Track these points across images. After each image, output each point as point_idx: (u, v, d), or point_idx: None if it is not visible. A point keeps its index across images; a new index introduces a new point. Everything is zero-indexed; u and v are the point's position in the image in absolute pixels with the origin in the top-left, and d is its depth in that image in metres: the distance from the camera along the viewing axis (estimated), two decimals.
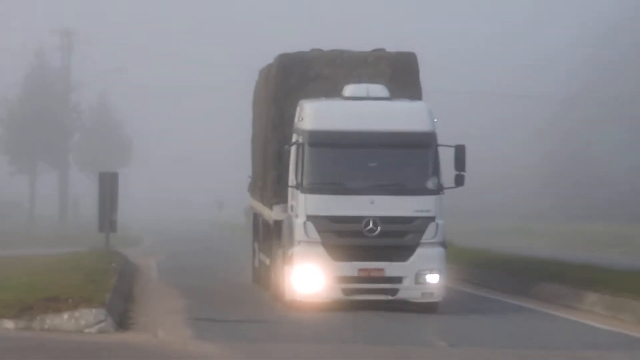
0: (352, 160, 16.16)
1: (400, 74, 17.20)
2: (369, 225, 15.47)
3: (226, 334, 13.58)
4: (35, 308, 13.33)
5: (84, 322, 13.01)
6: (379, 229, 15.46)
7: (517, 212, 73.71)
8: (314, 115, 15.92)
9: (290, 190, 16.30)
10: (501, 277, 22.06)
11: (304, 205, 15.50)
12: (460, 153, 15.86)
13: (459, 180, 15.89)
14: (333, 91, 16.60)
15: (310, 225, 15.42)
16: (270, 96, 17.86)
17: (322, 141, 15.67)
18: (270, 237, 18.97)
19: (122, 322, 14.23)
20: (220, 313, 15.97)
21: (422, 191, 15.83)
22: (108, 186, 26.30)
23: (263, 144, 19.06)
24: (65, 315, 13.11)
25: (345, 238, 15.64)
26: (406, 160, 16.40)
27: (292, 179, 15.98)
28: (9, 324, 12.96)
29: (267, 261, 19.09)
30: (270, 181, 17.65)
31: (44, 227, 55.91)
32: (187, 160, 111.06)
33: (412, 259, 15.62)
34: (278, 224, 17.33)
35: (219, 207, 72.15)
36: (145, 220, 69.20)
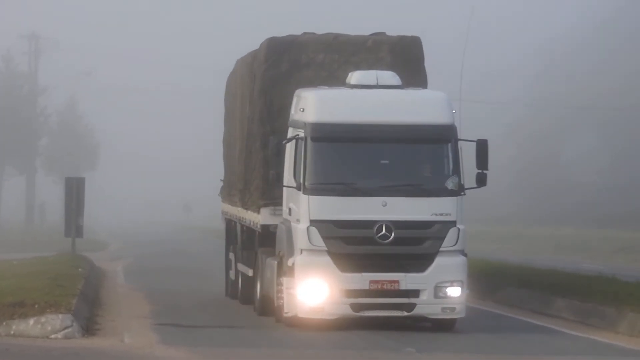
0: (362, 156, 14.57)
1: (402, 61, 15.59)
2: (381, 230, 13.88)
3: (192, 339, 13.97)
4: (1, 313, 13.48)
5: (50, 327, 13.10)
6: (392, 235, 13.91)
7: (484, 216, 75.16)
8: (317, 105, 14.29)
9: (286, 191, 14.79)
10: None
11: (307, 208, 13.89)
12: (482, 148, 14.30)
13: (481, 180, 14.24)
14: (328, 79, 15.28)
15: (314, 231, 13.81)
16: (256, 85, 16.05)
17: (328, 135, 14.11)
18: (252, 244, 17.57)
19: (89, 327, 14.40)
20: (187, 319, 16.24)
21: (442, 192, 14.29)
22: (74, 191, 26.63)
23: (244, 140, 17.37)
24: (32, 321, 13.32)
25: (354, 246, 14.07)
26: (423, 156, 14.94)
27: (289, 179, 14.39)
28: None
29: (250, 272, 17.40)
30: (257, 181, 16.05)
31: (9, 232, 57.52)
32: (155, 164, 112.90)
33: (431, 269, 14.09)
34: (267, 229, 15.74)
35: (187, 210, 74.67)
36: (113, 224, 71.97)
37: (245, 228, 18.10)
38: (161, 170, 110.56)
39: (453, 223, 14.06)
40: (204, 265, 28.56)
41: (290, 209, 14.53)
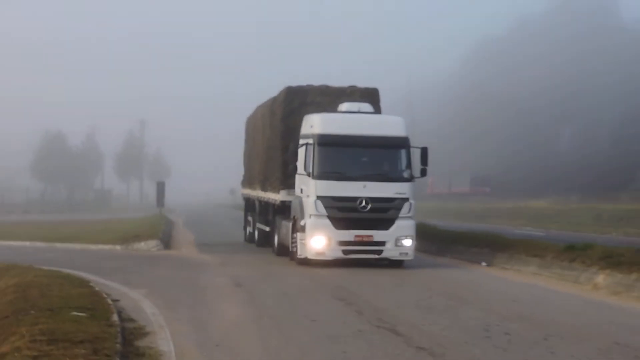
0: (350, 156, 20.24)
1: (368, 101, 21.60)
2: (362, 203, 19.55)
3: (213, 251, 25.95)
4: (129, 239, 26.68)
5: (150, 245, 27.10)
6: (369, 206, 19.56)
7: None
8: (322, 123, 20.11)
9: (299, 177, 20.49)
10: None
11: (315, 188, 19.53)
12: (424, 153, 20.24)
13: (423, 172, 20.36)
14: (324, 112, 20.96)
15: (319, 202, 19.48)
16: (277, 116, 22.85)
17: (329, 141, 19.77)
18: (268, 212, 24.61)
19: (166, 245, 28.29)
20: (215, 246, 28.43)
21: (400, 179, 20.06)
22: (161, 187, 49.85)
23: (265, 152, 24.79)
24: (142, 243, 27.37)
25: (344, 212, 19.64)
26: (388, 156, 20.66)
27: (301, 170, 20.05)
28: (118, 247, 27.35)
29: (267, 228, 24.94)
30: (277, 174, 22.48)
31: (133, 205, 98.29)
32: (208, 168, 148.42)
33: (393, 228, 19.75)
34: (284, 203, 22.01)
35: (232, 193, 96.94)
36: (182, 202, 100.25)
37: (263, 203, 25.59)
38: (215, 170, 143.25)
39: (407, 199, 19.95)
40: (225, 222, 48.48)
41: (302, 189, 20.36)
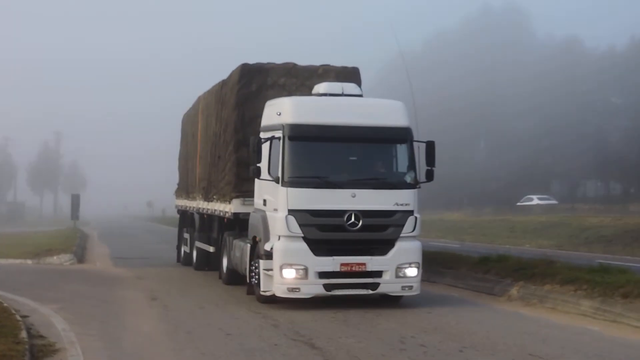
0: (333, 154, 15.17)
1: None
2: (350, 219, 14.50)
3: (129, 264, 25.46)
4: (41, 254, 25.98)
5: (63, 259, 26.26)
6: (360, 222, 14.52)
7: None
8: (294, 108, 14.98)
9: (261, 185, 15.54)
10: None
11: (285, 199, 14.41)
12: (430, 149, 15.24)
13: (430, 175, 15.17)
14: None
15: (292, 219, 14.34)
16: (229, 103, 18.02)
17: (303, 134, 14.72)
18: (213, 228, 20.39)
19: (80, 259, 27.75)
20: (128, 256, 28.34)
21: (402, 185, 14.98)
22: (76, 200, 48.51)
23: (210, 151, 20.07)
24: (55, 257, 26.53)
25: (327, 232, 14.59)
26: (385, 154, 15.58)
27: (265, 174, 15.00)
28: (29, 261, 26.19)
29: (211, 249, 20.50)
30: (228, 178, 17.81)
31: (47, 219, 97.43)
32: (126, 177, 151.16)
33: (393, 252, 14.77)
34: (239, 216, 17.37)
35: (149, 205, 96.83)
36: (97, 215, 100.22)
37: (206, 216, 21.24)
38: (131, 181, 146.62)
39: (411, 212, 14.84)
40: (142, 236, 47.11)
41: (265, 200, 15.35)
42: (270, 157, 15.03)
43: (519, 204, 63.63)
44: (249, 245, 16.08)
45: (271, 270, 14.63)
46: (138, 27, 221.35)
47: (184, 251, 24.31)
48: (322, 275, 14.51)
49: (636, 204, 56.80)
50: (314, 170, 14.85)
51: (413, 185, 15.03)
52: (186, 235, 24.20)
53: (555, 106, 75.93)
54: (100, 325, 13.13)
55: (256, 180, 15.65)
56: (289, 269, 14.41)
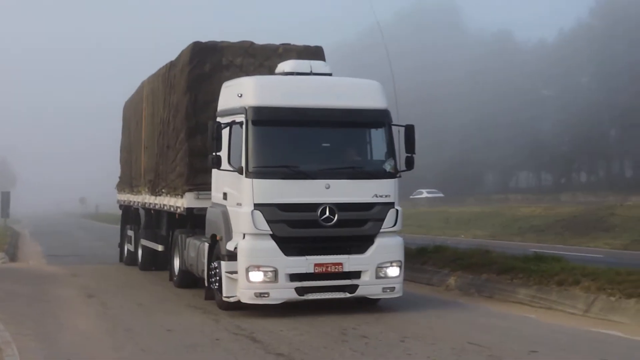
0: (304, 140, 13.53)
1: None
2: (325, 213, 12.89)
3: (63, 262, 24.94)
4: None
5: None
6: (335, 217, 12.92)
7: None
8: (258, 89, 13.29)
9: (220, 176, 13.83)
10: None
11: (251, 192, 12.70)
12: (410, 133, 13.65)
13: (410, 163, 13.65)
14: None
15: (258, 215, 12.62)
16: (179, 86, 16.27)
17: (270, 118, 13.06)
18: (162, 225, 18.58)
19: (13, 258, 26.99)
20: (61, 253, 27.56)
21: (381, 174, 13.42)
22: (6, 197, 46.25)
23: (157, 140, 18.27)
24: None
25: (298, 229, 12.92)
26: (361, 140, 13.98)
27: (226, 164, 13.26)
28: None
29: (159, 248, 18.56)
30: (180, 169, 16.08)
31: None
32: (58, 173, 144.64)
33: (372, 250, 13.22)
34: (192, 211, 15.71)
35: (82, 202, 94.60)
36: (28, 212, 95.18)
37: (153, 212, 19.32)
38: (63, 178, 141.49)
39: (392, 204, 13.35)
40: (75, 233, 46.82)
41: (225, 194, 13.64)
42: (230, 144, 13.34)
43: (411, 197, 66.56)
44: (206, 244, 14.24)
45: (235, 273, 12.91)
46: (69, 16, 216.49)
47: (128, 250, 22.44)
48: (294, 277, 12.85)
49: (566, 194, 58.11)
50: (283, 159, 13.14)
51: (393, 174, 13.48)
52: (130, 233, 22.24)
53: (488, 100, 77.08)
54: (35, 325, 12.84)
55: (214, 171, 14.00)
56: (257, 272, 12.69)
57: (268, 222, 12.70)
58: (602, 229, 34.94)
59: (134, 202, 21.55)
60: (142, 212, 20.90)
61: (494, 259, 17.18)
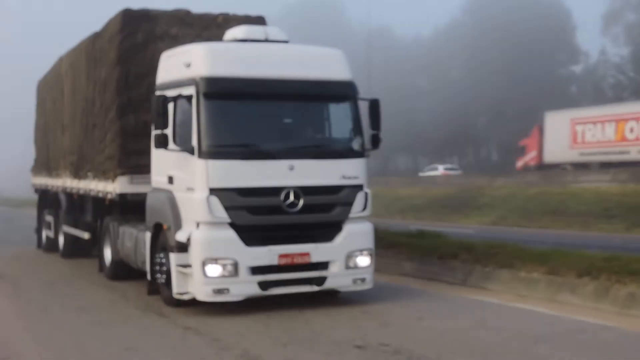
0: (263, 115, 11.35)
1: None
2: (289, 197, 10.84)
3: None
4: None
5: None
6: (301, 202, 10.88)
7: None
8: (210, 58, 10.97)
9: (162, 156, 11.56)
10: None
11: (205, 175, 10.55)
12: (376, 108, 11.71)
13: (376, 141, 11.71)
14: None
15: (215, 200, 10.51)
16: (108, 58, 14.09)
17: (225, 90, 10.85)
18: (87, 211, 16.54)
19: None
20: None
21: (349, 154, 11.42)
22: None
23: (81, 119, 16.15)
24: None
25: (260, 216, 10.84)
26: (326, 115, 11.87)
27: (171, 143, 10.97)
28: None
29: (85, 235, 16.24)
30: (109, 151, 13.90)
31: None
32: None
33: (341, 238, 11.26)
34: (126, 197, 13.46)
35: None
36: None
37: (76, 196, 17.05)
38: None
39: (360, 187, 11.42)
40: None
41: (171, 177, 11.38)
42: (175, 121, 11.00)
43: (421, 173, 60.39)
44: (148, 233, 12.00)
45: (187, 266, 10.80)
46: None
47: (47, 236, 20.13)
48: (256, 270, 10.75)
49: (441, 177, 59.40)
50: (241, 137, 10.92)
51: (361, 153, 11.53)
52: (49, 218, 19.95)
53: (370, 90, 78.18)
54: None
55: (155, 152, 11.86)
56: (214, 265, 10.57)
57: (226, 208, 10.57)
58: (473, 207, 36.03)
59: (53, 186, 19.17)
60: (62, 196, 18.50)
61: (380, 235, 17.31)
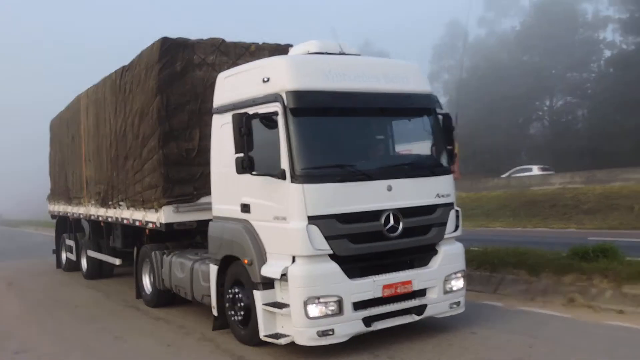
0: (353, 132, 10.09)
1: None
2: (389, 221, 9.59)
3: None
4: None
5: None
6: (400, 225, 9.66)
7: None
8: (295, 70, 9.48)
9: (232, 182, 10.08)
10: None
11: (302, 201, 9.09)
12: (450, 122, 10.76)
13: (451, 157, 10.64)
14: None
15: (315, 230, 9.05)
16: (148, 87, 13.51)
17: (314, 105, 9.41)
18: (112, 237, 16.45)
19: None
20: None
21: (440, 170, 10.36)
22: None
23: (109, 148, 15.99)
24: None
25: (362, 244, 9.43)
26: (414, 130, 10.89)
27: (259, 166, 9.37)
28: None
29: (117, 262, 16.25)
30: (151, 180, 13.38)
31: None
32: None
33: (438, 261, 10.18)
34: (171, 227, 12.68)
35: None
36: None
37: (103, 224, 16.81)
38: None
39: (451, 205, 10.40)
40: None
41: (247, 206, 9.90)
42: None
43: (512, 175, 50.66)
44: (213, 267, 10.72)
45: (274, 305, 9.46)
46: None
47: (68, 258, 20.86)
48: (359, 305, 9.38)
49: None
50: (336, 157, 9.54)
51: (449, 169, 10.48)
52: (70, 242, 20.53)
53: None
54: None
55: (216, 177, 10.75)
56: (317, 305, 9.09)
57: (327, 238, 9.11)
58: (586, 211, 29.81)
59: (74, 213, 19.57)
60: (85, 223, 18.98)
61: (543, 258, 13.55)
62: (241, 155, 9.35)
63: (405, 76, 10.47)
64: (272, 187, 9.35)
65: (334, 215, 9.19)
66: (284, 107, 9.26)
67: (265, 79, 9.62)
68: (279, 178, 9.20)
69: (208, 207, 11.14)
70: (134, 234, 14.81)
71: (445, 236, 10.26)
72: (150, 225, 13.44)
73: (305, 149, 9.20)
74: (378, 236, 9.53)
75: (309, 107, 9.36)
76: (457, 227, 10.40)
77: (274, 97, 9.39)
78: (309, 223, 9.05)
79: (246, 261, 9.83)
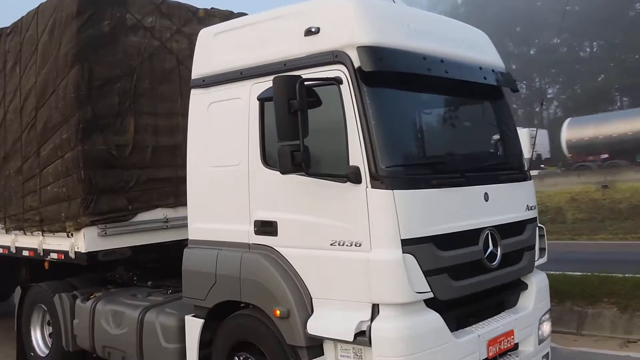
0: (441, 116, 7.02)
1: None
2: (488, 245, 6.31)
3: None
4: None
5: None
6: (499, 250, 6.40)
7: None
8: (370, 17, 5.90)
9: (255, 187, 6.34)
10: None
11: (395, 216, 5.47)
12: (509, 111, 8.00)
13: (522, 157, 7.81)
14: (162, 50, 9.11)
15: (413, 263, 5.53)
16: (60, 53, 8.81)
17: (407, 69, 5.92)
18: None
19: None
20: None
21: (527, 174, 7.28)
22: None
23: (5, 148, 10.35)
24: None
25: (462, 281, 6.02)
26: (497, 118, 7.33)
27: (262, 162, 6.26)
28: None
29: None
30: (62, 190, 8.79)
31: None
32: None
33: (532, 299, 6.97)
34: (94, 257, 8.40)
35: None
36: None
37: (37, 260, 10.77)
38: None
39: (535, 220, 7.20)
40: None
41: (271, 224, 6.20)
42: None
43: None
44: (196, 320, 6.90)
45: None
46: None
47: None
48: None
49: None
50: (427, 151, 6.54)
51: (528, 171, 7.44)
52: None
53: None
54: None
55: (195, 177, 7.02)
56: None
57: (426, 274, 5.65)
58: None
59: None
60: None
61: None
62: (290, 144, 5.61)
63: (481, 45, 7.27)
64: (327, 195, 5.79)
65: (431, 238, 5.71)
66: (354, 72, 5.69)
67: (314, 29, 5.95)
68: (348, 181, 5.65)
69: (149, 228, 8.37)
70: (12, 267, 10.48)
71: (536, 264, 7.16)
72: (53, 255, 9.16)
73: (391, 137, 5.76)
74: (478, 267, 6.21)
75: (395, 71, 5.86)
76: (543, 251, 7.24)
77: (332, 56, 5.82)
78: (404, 252, 5.51)
79: (277, 313, 6.08)
